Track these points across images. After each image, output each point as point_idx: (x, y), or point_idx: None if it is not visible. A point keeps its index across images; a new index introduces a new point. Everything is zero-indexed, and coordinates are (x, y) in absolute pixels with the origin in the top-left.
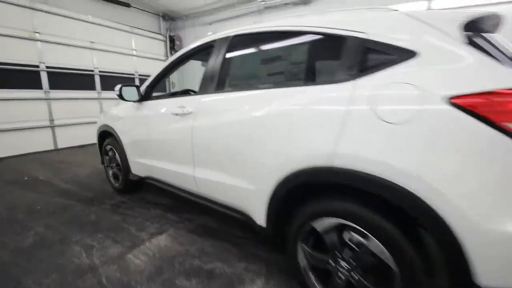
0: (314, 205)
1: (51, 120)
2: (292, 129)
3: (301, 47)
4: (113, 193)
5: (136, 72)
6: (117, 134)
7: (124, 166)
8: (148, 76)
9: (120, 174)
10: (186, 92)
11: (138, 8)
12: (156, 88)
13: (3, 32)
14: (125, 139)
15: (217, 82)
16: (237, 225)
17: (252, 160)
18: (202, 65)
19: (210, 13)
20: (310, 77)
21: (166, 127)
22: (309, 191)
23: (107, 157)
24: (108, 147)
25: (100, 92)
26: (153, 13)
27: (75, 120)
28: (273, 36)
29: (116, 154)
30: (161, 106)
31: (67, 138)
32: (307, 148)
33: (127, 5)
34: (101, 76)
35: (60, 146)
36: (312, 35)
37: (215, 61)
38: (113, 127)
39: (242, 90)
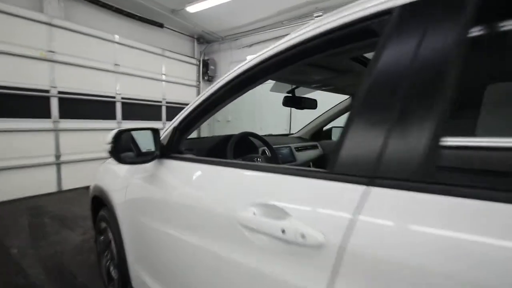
0: None
1: (57, 156)
2: None
3: None
4: None
5: (164, 99)
6: (114, 208)
7: (122, 271)
8: (177, 104)
9: (116, 278)
10: (250, 149)
11: (171, 29)
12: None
13: (12, 51)
14: (125, 225)
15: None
16: None
17: None
18: (272, 89)
19: (251, 33)
20: None
21: (220, 248)
22: None
23: (101, 239)
24: (103, 224)
25: (121, 122)
26: (187, 35)
27: (86, 156)
28: None
29: (112, 241)
30: (206, 183)
31: (74, 178)
32: None
33: (160, 26)
34: (123, 104)
35: (65, 187)
36: None
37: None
38: (109, 194)
39: None
